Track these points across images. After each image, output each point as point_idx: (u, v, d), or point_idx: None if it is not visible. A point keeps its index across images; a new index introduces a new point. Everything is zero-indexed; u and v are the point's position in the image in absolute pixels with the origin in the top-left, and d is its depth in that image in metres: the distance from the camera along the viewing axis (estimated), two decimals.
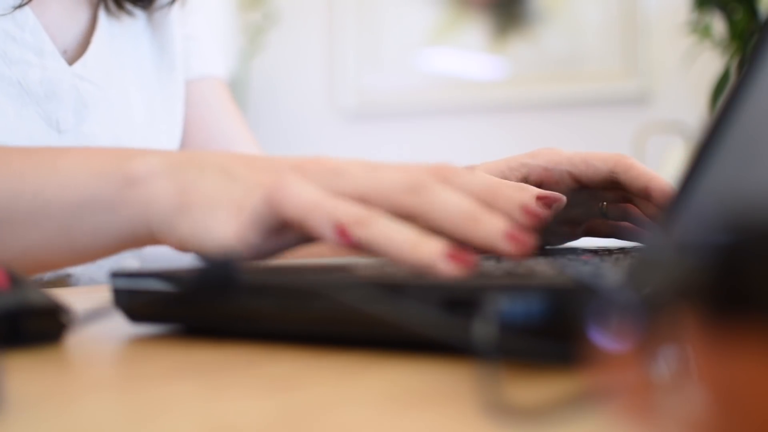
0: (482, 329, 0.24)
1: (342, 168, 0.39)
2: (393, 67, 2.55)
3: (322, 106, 2.63)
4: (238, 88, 2.43)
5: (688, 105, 2.15)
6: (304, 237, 0.39)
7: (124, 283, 0.37)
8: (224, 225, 0.39)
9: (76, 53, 0.68)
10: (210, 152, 0.43)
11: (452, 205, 0.36)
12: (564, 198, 0.49)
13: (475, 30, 2.47)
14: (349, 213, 0.35)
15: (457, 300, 0.28)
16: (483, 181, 0.39)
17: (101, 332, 0.37)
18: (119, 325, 0.39)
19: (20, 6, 0.62)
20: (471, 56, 2.48)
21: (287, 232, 0.39)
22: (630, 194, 0.53)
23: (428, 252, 0.32)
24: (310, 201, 0.36)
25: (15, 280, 0.34)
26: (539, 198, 0.48)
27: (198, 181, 0.41)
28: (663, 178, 0.50)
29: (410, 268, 0.33)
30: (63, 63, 0.65)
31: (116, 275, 0.37)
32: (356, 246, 0.35)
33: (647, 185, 0.50)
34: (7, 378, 0.27)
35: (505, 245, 0.34)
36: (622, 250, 0.52)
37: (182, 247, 0.41)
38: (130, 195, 0.41)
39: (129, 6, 0.73)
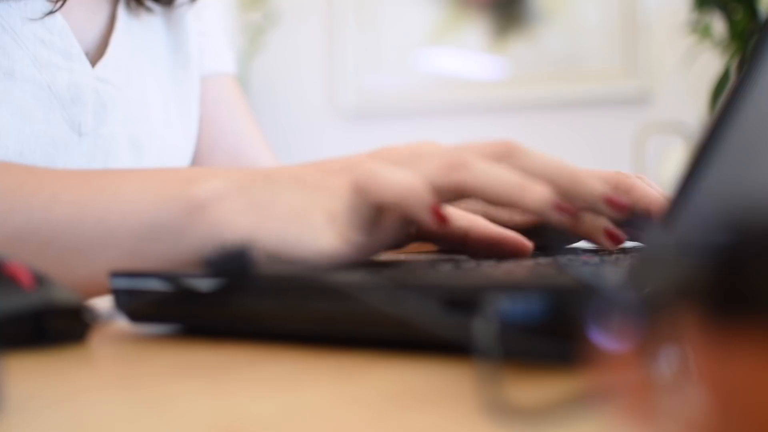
0: (483, 329, 0.24)
1: (419, 150, 0.40)
2: (393, 67, 2.55)
3: (322, 105, 2.63)
4: None
5: (688, 105, 2.15)
6: (407, 228, 0.39)
7: (124, 283, 0.37)
8: (322, 233, 0.39)
9: (96, 55, 0.68)
10: (271, 168, 0.44)
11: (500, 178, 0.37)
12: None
13: (475, 30, 2.47)
14: (445, 159, 0.36)
15: (458, 299, 0.28)
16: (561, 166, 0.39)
17: (103, 332, 0.37)
18: (120, 325, 0.39)
19: (51, 12, 0.61)
20: (471, 56, 2.48)
21: (387, 222, 0.39)
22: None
23: (539, 196, 0.33)
24: (404, 182, 0.37)
25: (40, 280, 0.34)
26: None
27: (274, 196, 0.40)
28: (663, 198, 0.50)
29: (519, 210, 0.34)
30: (88, 66, 0.65)
31: (116, 275, 0.37)
32: (450, 225, 0.36)
33: (649, 207, 0.50)
34: (7, 378, 0.27)
35: (553, 214, 0.35)
36: (622, 250, 0.52)
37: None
38: (197, 220, 0.41)
39: (149, 2, 0.73)
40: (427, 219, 0.36)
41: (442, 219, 0.36)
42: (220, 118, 0.79)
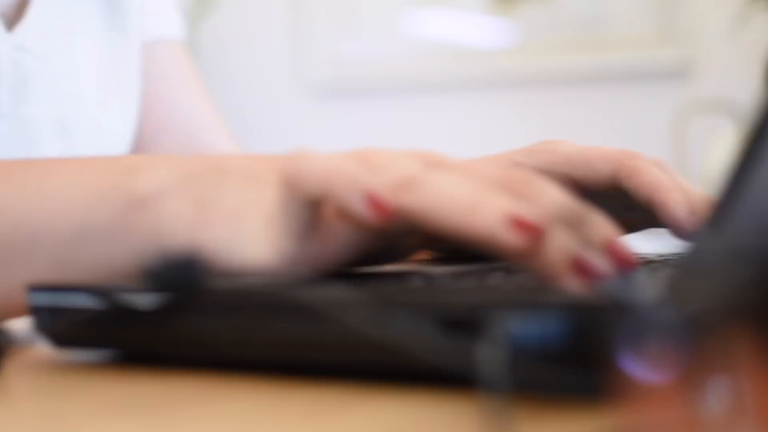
0: (489, 355, 0.24)
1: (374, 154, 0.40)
2: (374, 33, 2.56)
3: (287, 79, 2.63)
4: None
5: (738, 79, 2.16)
6: (365, 234, 0.38)
7: (46, 299, 0.36)
8: (255, 240, 0.39)
9: (13, 17, 0.67)
10: (233, 156, 0.43)
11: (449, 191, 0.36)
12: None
13: None
14: (390, 176, 0.35)
15: (458, 319, 0.28)
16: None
17: (20, 359, 0.37)
18: (41, 351, 0.39)
19: None
20: (471, 19, 2.48)
21: (329, 226, 0.39)
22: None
23: (491, 215, 0.32)
24: (330, 166, 0.36)
25: None
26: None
27: (220, 192, 0.41)
28: (675, 190, 0.48)
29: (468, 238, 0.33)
30: (2, 32, 0.64)
31: (35, 289, 0.37)
32: (396, 216, 0.34)
33: (651, 197, 0.49)
34: None
35: (505, 236, 0.33)
36: (661, 257, 0.52)
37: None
38: (136, 220, 0.41)
39: None
40: (360, 208, 0.35)
41: (381, 210, 0.35)
42: (167, 95, 0.79)
